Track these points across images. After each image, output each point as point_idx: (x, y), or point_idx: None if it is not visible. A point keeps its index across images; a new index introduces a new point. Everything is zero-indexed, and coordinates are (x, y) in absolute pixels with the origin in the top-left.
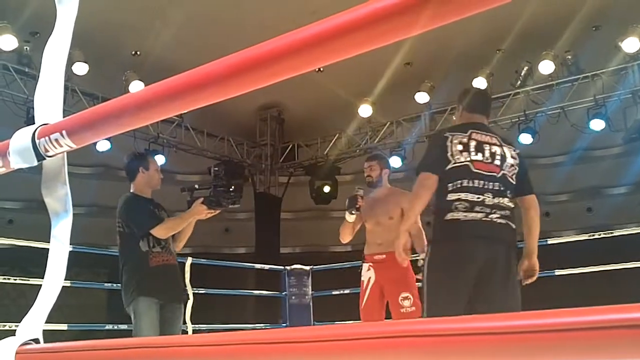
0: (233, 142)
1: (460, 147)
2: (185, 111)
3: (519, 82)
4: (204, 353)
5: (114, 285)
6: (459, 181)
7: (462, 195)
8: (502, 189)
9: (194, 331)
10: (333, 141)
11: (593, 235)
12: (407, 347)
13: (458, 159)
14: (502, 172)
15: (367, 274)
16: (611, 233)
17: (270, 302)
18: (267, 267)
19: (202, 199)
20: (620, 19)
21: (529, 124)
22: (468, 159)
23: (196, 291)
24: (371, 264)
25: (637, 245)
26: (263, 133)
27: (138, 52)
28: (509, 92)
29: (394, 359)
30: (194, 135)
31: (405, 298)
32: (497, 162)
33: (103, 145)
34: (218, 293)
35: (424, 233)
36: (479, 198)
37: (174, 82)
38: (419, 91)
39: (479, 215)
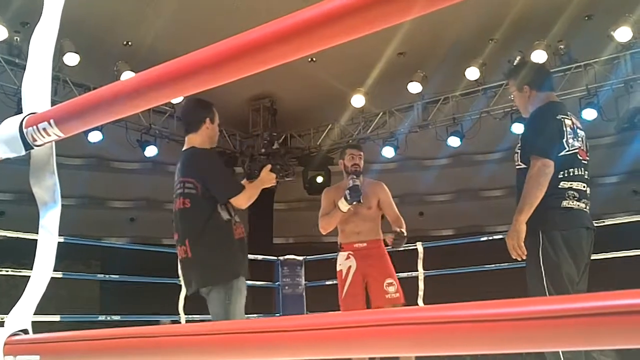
0: (226, 133)
1: (571, 133)
2: (176, 99)
3: None
4: (195, 342)
5: (106, 276)
6: (571, 169)
7: (574, 184)
8: (589, 178)
9: (187, 321)
10: (326, 131)
11: None
12: (397, 334)
13: (572, 145)
14: (588, 158)
15: (347, 262)
16: (602, 222)
17: (264, 292)
18: (260, 257)
19: (270, 166)
20: (613, 9)
21: (521, 114)
22: (576, 145)
23: None
24: (351, 252)
25: (628, 235)
26: (256, 123)
27: (129, 43)
28: (502, 82)
29: (382, 347)
30: None
31: (390, 284)
32: (586, 148)
33: (95, 137)
34: None
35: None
36: (584, 187)
37: (164, 69)
38: (411, 81)
39: (582, 205)
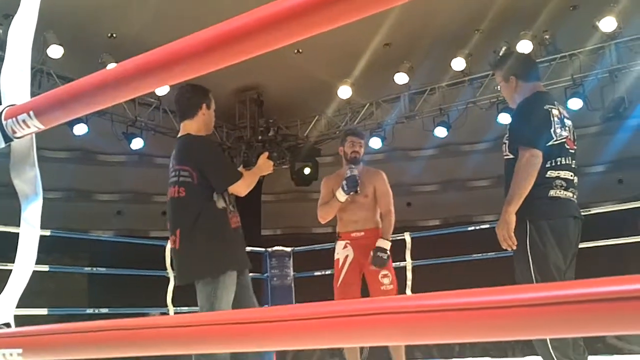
0: None
1: (558, 122)
2: (160, 90)
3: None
4: (180, 334)
5: (94, 269)
6: (558, 159)
7: (562, 174)
8: (576, 167)
9: (176, 313)
10: (313, 123)
11: None
12: (385, 323)
13: (560, 135)
14: (575, 147)
15: (344, 251)
16: (588, 211)
17: (252, 284)
18: (248, 249)
19: (267, 154)
20: None
21: (507, 104)
22: (564, 135)
23: None
24: (348, 241)
25: (613, 224)
26: (242, 115)
27: (114, 35)
28: (488, 73)
29: (375, 335)
30: (173, 118)
31: (385, 276)
32: (574, 138)
33: (80, 129)
34: None
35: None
36: (571, 176)
37: (145, 58)
38: (398, 72)
39: (570, 195)
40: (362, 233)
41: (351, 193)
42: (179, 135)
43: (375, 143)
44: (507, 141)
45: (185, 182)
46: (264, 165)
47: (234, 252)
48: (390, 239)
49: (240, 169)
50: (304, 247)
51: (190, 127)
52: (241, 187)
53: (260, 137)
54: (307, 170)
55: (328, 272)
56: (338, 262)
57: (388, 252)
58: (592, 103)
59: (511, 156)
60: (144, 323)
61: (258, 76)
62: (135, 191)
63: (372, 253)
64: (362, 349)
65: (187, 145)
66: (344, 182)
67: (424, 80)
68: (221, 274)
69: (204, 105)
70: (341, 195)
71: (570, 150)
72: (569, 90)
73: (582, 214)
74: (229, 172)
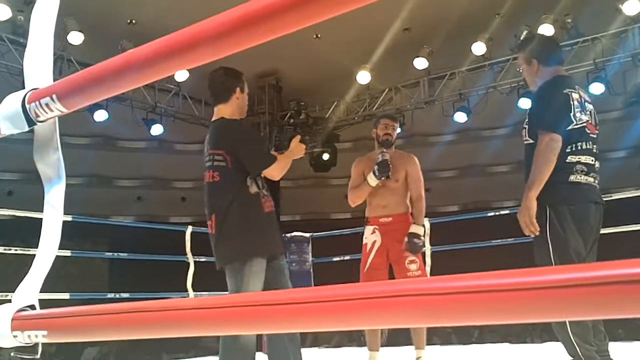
0: None
1: (578, 107)
2: (180, 76)
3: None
4: (206, 316)
5: (115, 254)
6: (579, 143)
7: (582, 158)
8: (598, 152)
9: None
10: (332, 108)
11: None
12: (407, 306)
13: (580, 119)
14: (597, 132)
15: (372, 237)
16: (610, 196)
17: None
18: None
19: (299, 137)
20: None
21: (528, 88)
22: (584, 119)
23: (197, 259)
24: (376, 226)
25: (635, 209)
26: (261, 101)
27: (133, 21)
28: (509, 57)
29: (395, 318)
30: (192, 104)
31: (412, 262)
32: (595, 122)
33: (100, 116)
34: None
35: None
36: (592, 161)
37: (166, 41)
38: (417, 57)
39: (591, 180)
40: (390, 218)
41: (382, 178)
42: (212, 119)
43: None
44: (527, 126)
45: (219, 167)
46: (296, 148)
47: (266, 238)
48: (423, 223)
49: (273, 152)
50: (323, 233)
51: (224, 111)
52: (275, 171)
53: (292, 120)
54: (325, 156)
55: (347, 257)
56: (366, 246)
57: (422, 237)
58: (614, 88)
59: (531, 141)
60: (169, 305)
61: (277, 61)
62: (155, 177)
63: (406, 239)
64: (382, 332)
65: (220, 129)
66: (376, 167)
67: (443, 65)
68: (249, 260)
69: (237, 89)
70: (372, 180)
71: (591, 135)
72: (590, 74)
73: (604, 199)
74: (262, 156)
